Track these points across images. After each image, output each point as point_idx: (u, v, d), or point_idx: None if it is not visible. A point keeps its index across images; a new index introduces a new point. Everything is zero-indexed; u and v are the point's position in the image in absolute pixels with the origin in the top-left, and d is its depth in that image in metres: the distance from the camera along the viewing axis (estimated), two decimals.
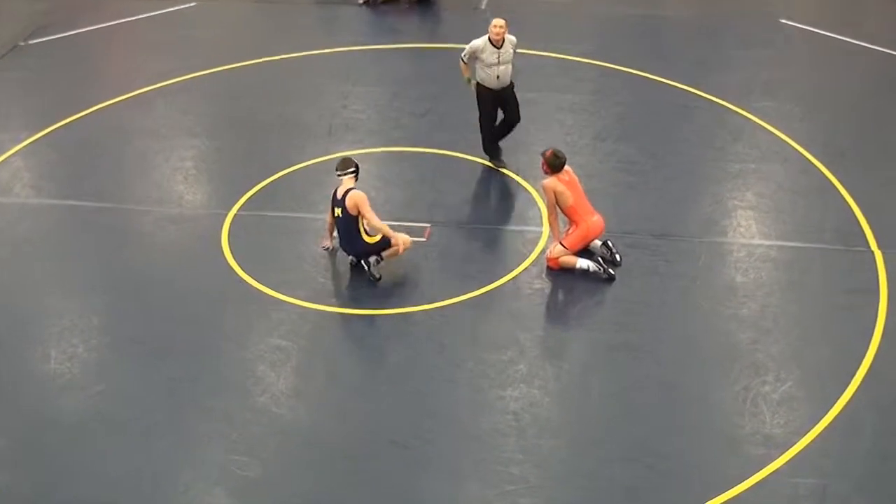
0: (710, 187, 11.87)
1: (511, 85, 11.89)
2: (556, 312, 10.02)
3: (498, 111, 12.03)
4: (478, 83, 11.92)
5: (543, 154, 10.29)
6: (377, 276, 10.21)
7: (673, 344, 9.35)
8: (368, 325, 9.76)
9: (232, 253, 10.76)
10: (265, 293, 10.13)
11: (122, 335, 9.66)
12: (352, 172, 10.22)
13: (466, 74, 11.98)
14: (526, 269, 10.40)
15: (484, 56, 11.63)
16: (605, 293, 10.05)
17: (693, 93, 14.11)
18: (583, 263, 10.21)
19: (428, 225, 11.14)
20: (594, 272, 10.17)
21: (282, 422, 8.57)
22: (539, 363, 9.16)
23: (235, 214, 11.46)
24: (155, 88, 14.64)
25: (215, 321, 9.79)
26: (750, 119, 13.32)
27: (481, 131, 12.16)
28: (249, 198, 11.76)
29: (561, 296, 10.12)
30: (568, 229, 10.39)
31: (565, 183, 10.24)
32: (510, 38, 11.66)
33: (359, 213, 10.02)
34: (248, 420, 8.58)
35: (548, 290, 10.14)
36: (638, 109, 13.75)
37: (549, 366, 9.12)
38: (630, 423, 8.51)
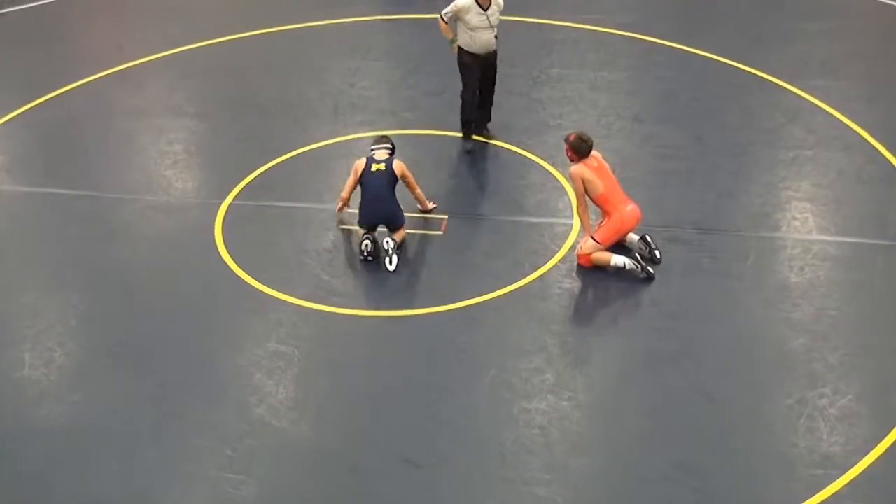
0: (761, 175, 11.80)
1: (496, 53, 11.91)
2: (587, 315, 9.97)
3: (482, 79, 12.04)
4: (460, 48, 11.86)
5: (567, 139, 10.24)
6: (395, 263, 10.31)
7: (718, 351, 9.28)
8: (378, 328, 9.73)
9: (226, 247, 10.75)
10: (263, 292, 10.12)
11: (103, 338, 9.66)
12: (388, 148, 10.83)
13: (449, 36, 11.97)
14: (555, 266, 10.36)
15: (469, 18, 11.61)
16: (642, 294, 10.00)
17: (743, 69, 14.04)
18: (618, 260, 10.15)
19: (445, 216, 11.11)
20: (630, 270, 10.11)
21: (281, 436, 8.55)
22: (569, 372, 9.11)
23: (230, 204, 11.46)
24: (142, 63, 14.67)
25: (207, 323, 9.78)
26: (807, 99, 13.24)
27: (463, 104, 12.12)
28: (246, 185, 11.76)
29: (593, 297, 10.07)
30: (600, 221, 10.34)
31: (594, 169, 10.18)
32: (497, 1, 11.67)
33: (402, 176, 10.61)
34: (244, 433, 8.56)
35: (578, 291, 10.09)
36: (681, 88, 13.69)
37: (580, 375, 9.08)
38: (671, 440, 8.45)
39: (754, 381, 8.99)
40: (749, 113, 13.04)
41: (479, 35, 11.67)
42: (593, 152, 10.28)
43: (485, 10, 11.55)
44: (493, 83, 12.23)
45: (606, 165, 10.35)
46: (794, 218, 11.07)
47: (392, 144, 10.92)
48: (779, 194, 11.46)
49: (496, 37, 11.85)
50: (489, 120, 12.45)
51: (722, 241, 10.68)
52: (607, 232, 10.21)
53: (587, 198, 10.25)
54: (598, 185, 10.13)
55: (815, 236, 10.76)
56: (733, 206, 11.23)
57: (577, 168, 10.17)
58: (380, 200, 10.50)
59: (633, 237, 10.45)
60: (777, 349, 9.32)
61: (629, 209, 10.27)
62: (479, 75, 11.98)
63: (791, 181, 11.68)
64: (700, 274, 10.23)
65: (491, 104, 12.35)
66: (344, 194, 10.93)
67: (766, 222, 10.98)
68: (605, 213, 10.29)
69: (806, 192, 11.47)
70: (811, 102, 13.17)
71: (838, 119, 12.78)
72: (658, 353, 9.28)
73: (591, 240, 10.21)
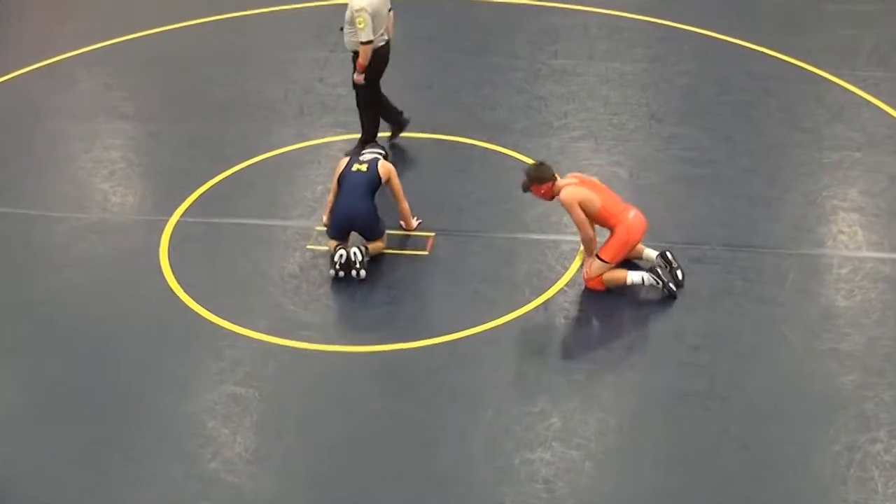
0: (801, 183, 11.84)
1: (353, 54, 12.06)
2: (599, 349, 9.98)
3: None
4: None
5: (528, 175, 10.23)
6: (364, 272, 10.44)
7: (753, 390, 9.30)
8: (353, 366, 9.73)
9: (174, 272, 10.75)
10: (217, 325, 10.12)
11: (28, 383, 9.64)
12: (378, 152, 11.05)
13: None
14: (560, 290, 10.38)
15: (377, 4, 11.81)
16: (664, 323, 10.01)
17: (779, 58, 14.10)
18: (634, 276, 10.20)
19: (431, 234, 11.14)
20: (650, 286, 10.15)
21: (239, 494, 8.53)
22: (578, 416, 9.12)
23: (178, 221, 11.46)
24: (73, 55, 14.67)
25: (151, 362, 9.77)
26: (853, 93, 13.29)
27: (376, 106, 12.29)
28: (196, 199, 11.77)
29: (606, 327, 10.08)
30: (607, 240, 10.37)
31: (582, 184, 10.21)
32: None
33: (387, 183, 10.76)
34: (196, 493, 8.54)
35: (588, 320, 10.11)
36: (706, 81, 13.74)
37: (592, 419, 9.08)
38: (700, 494, 8.45)
39: (796, 424, 8.99)
40: (786, 109, 13.09)
41: (384, 23, 11.98)
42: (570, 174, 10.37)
43: None
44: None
45: (592, 177, 10.44)
46: (841, 232, 11.11)
47: (385, 151, 11.09)
48: (822, 204, 11.50)
49: (356, 41, 11.85)
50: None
51: (756, 260, 10.70)
52: (615, 247, 10.22)
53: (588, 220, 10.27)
54: (596, 200, 10.13)
55: (866, 253, 10.79)
56: (769, 219, 11.27)
57: (567, 192, 10.11)
58: (354, 201, 10.51)
59: (651, 254, 10.48)
60: (822, 386, 9.33)
61: (633, 216, 10.28)
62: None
63: (836, 188, 11.72)
64: (731, 299, 10.25)
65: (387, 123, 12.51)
66: (328, 206, 10.94)
67: (808, 237, 11.02)
68: (607, 227, 10.31)
69: (854, 202, 11.51)
70: (859, 96, 13.22)
71: (891, 115, 12.85)
72: (683, 393, 9.29)
73: (597, 260, 10.23)
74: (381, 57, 12.04)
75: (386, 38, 12.03)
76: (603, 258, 10.19)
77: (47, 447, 8.95)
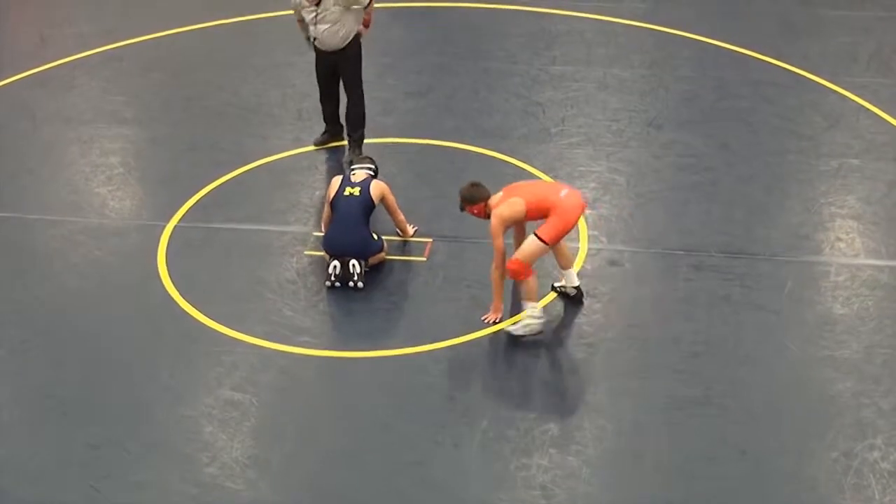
0: (799, 190, 11.87)
1: (344, 50, 12.10)
2: (598, 356, 9.98)
3: (333, 79, 12.38)
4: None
5: (462, 196, 10.06)
6: (362, 283, 10.44)
7: (751, 397, 9.31)
8: (351, 371, 9.73)
9: (171, 277, 10.76)
10: (215, 330, 10.12)
11: (24, 387, 9.64)
12: (369, 170, 10.93)
13: (305, 33, 12.33)
14: (558, 297, 10.39)
15: (304, 12, 12.00)
16: (661, 329, 10.02)
17: (777, 65, 14.12)
18: (535, 313, 9.82)
19: (429, 240, 11.15)
20: (534, 329, 9.89)
21: (237, 500, 8.54)
22: (576, 422, 9.13)
23: (175, 227, 11.47)
24: (70, 60, 14.67)
25: (149, 367, 9.77)
26: (851, 100, 13.31)
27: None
28: (194, 204, 11.78)
29: (605, 333, 10.09)
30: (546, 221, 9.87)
31: (507, 195, 9.90)
32: None
33: (381, 201, 10.72)
34: (193, 498, 8.54)
35: (587, 326, 10.12)
36: (704, 87, 13.76)
37: (589, 425, 9.09)
38: (697, 502, 8.44)
39: (793, 431, 9.01)
40: (784, 116, 13.10)
41: (317, 29, 11.98)
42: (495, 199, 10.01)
43: (316, 4, 11.81)
44: (348, 87, 12.37)
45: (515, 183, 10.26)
46: (839, 239, 11.13)
47: (375, 166, 11.03)
48: (820, 211, 11.52)
49: (352, 33, 12.01)
50: (350, 131, 12.51)
51: (754, 267, 10.72)
52: (553, 230, 9.71)
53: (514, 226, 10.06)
54: (520, 207, 9.76)
55: (864, 260, 10.81)
56: (767, 226, 11.29)
57: (494, 218, 9.78)
58: (347, 230, 10.49)
59: (573, 279, 10.26)
60: (820, 394, 9.35)
61: (565, 195, 9.82)
62: (325, 72, 12.34)
63: (834, 196, 11.74)
64: (728, 306, 10.27)
65: (349, 114, 12.46)
66: (323, 227, 10.98)
67: (806, 245, 11.04)
68: (545, 218, 9.82)
69: (852, 209, 11.54)
70: (857, 103, 13.24)
71: (889, 123, 12.87)
72: (681, 400, 9.30)
73: (535, 239, 9.71)
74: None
75: None
76: (542, 237, 9.69)
77: (44, 452, 8.94)
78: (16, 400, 9.51)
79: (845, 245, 11.03)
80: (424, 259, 10.91)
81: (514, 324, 9.89)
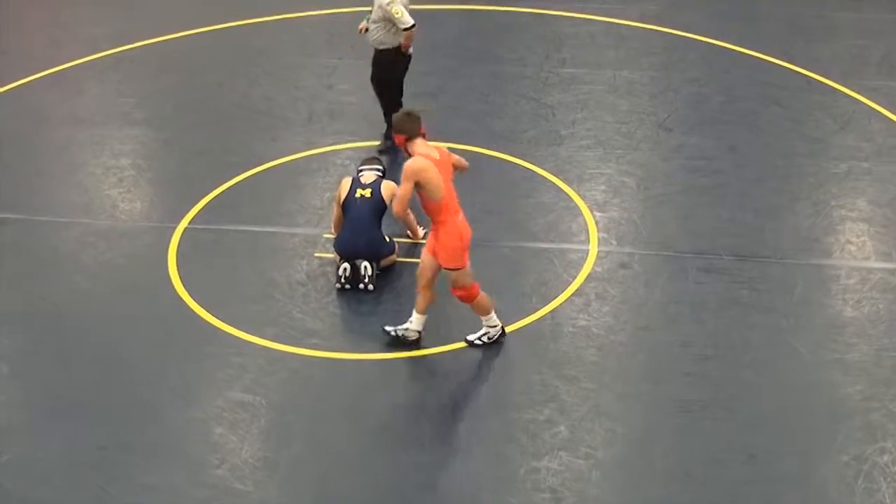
0: (808, 192, 11.83)
1: (375, 52, 12.42)
2: (606, 358, 9.96)
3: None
4: None
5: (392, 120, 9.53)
6: (372, 286, 10.46)
7: (760, 401, 9.28)
8: (360, 373, 9.72)
9: (181, 279, 10.76)
10: (225, 332, 10.12)
11: (35, 388, 9.65)
12: (377, 171, 10.93)
13: None
14: (568, 299, 10.37)
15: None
16: (671, 333, 10.00)
17: (787, 67, 14.09)
18: (492, 321, 9.78)
19: None
20: (487, 339, 9.83)
21: (247, 501, 8.53)
22: (586, 425, 9.11)
23: (186, 228, 11.47)
24: (81, 62, 14.68)
25: (159, 369, 9.77)
26: (862, 102, 13.28)
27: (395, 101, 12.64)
28: (205, 206, 11.78)
29: (614, 336, 10.07)
30: (443, 249, 9.45)
31: (436, 164, 9.31)
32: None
33: (392, 200, 10.47)
34: (203, 500, 8.53)
35: (596, 329, 10.09)
36: (714, 90, 13.74)
37: (599, 428, 9.07)
38: None
39: (803, 434, 8.98)
40: (794, 119, 13.08)
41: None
42: (435, 145, 9.51)
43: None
44: (374, 89, 12.60)
45: (451, 160, 9.61)
46: (849, 242, 11.09)
47: (383, 167, 11.05)
48: (830, 214, 11.48)
49: (385, 41, 12.25)
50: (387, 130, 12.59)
51: (764, 270, 10.69)
52: (454, 255, 9.38)
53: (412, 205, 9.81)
54: (438, 188, 9.25)
55: (874, 263, 10.78)
56: (776, 229, 11.26)
57: (412, 164, 9.21)
58: (361, 232, 10.50)
59: (495, 319, 9.97)
60: (829, 397, 9.31)
61: (461, 217, 9.49)
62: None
63: (844, 199, 11.71)
64: (738, 309, 10.24)
65: (384, 112, 12.61)
66: (333, 228, 10.98)
67: (816, 247, 11.01)
68: (434, 220, 9.44)
69: (862, 212, 11.50)
70: (868, 106, 13.21)
71: None
72: (690, 403, 9.27)
73: (451, 273, 9.45)
74: (406, 59, 12.38)
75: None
76: (454, 267, 9.42)
77: (53, 453, 8.94)
78: (25, 401, 9.52)
79: (855, 248, 10.99)
80: None
81: (474, 335, 9.87)
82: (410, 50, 12.34)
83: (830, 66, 14.05)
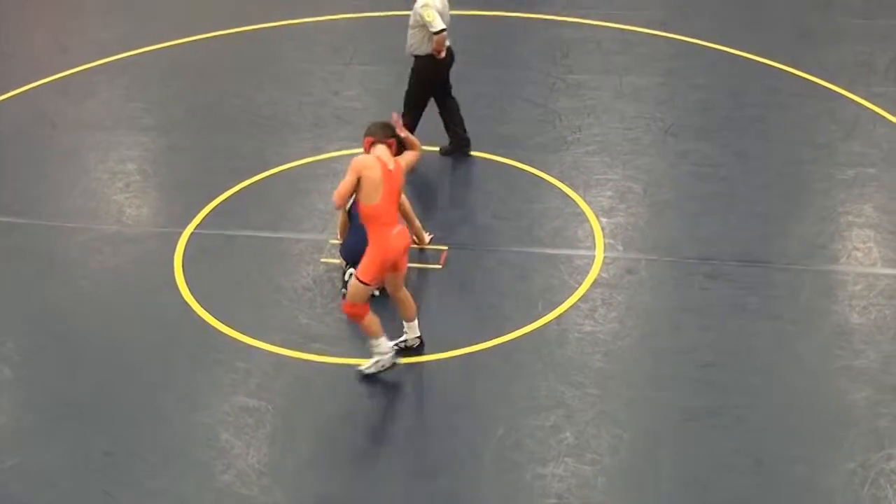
0: (815, 198, 11.81)
1: (414, 60, 12.35)
2: (612, 364, 9.94)
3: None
4: None
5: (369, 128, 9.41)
6: (377, 291, 10.30)
7: (767, 407, 9.26)
8: (365, 379, 9.70)
9: (188, 284, 10.75)
10: (230, 337, 10.11)
11: (41, 393, 9.65)
12: None
13: None
14: (574, 305, 10.36)
15: (440, 7, 12.22)
16: (677, 339, 9.98)
17: (793, 73, 14.08)
18: (383, 347, 9.51)
19: (445, 248, 11.13)
20: (381, 366, 9.58)
21: None
22: (591, 431, 9.09)
23: (192, 233, 11.47)
24: (89, 68, 14.70)
25: (165, 374, 9.77)
26: (869, 108, 13.26)
27: (420, 112, 12.60)
28: (211, 211, 11.78)
29: (620, 342, 10.05)
30: (364, 257, 9.36)
31: (385, 171, 9.12)
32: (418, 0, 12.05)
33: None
34: None
35: (602, 335, 10.08)
36: (720, 96, 13.73)
37: (605, 434, 9.05)
38: None
39: (809, 441, 8.96)
40: (800, 125, 13.06)
41: None
42: (392, 157, 9.28)
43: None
44: (405, 97, 12.49)
45: (402, 172, 9.36)
46: (856, 248, 11.07)
47: None
48: (837, 220, 11.47)
49: (419, 46, 12.19)
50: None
51: (770, 276, 10.67)
52: (372, 268, 9.22)
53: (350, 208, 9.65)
54: (375, 192, 9.07)
55: (881, 269, 10.76)
56: (783, 235, 11.24)
57: (358, 160, 9.07)
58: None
59: (415, 329, 9.84)
60: (836, 403, 9.29)
61: (396, 233, 9.28)
62: None
63: (851, 205, 11.69)
64: (745, 315, 10.22)
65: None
66: (339, 234, 10.99)
67: (823, 254, 10.99)
68: (366, 227, 9.30)
69: (869, 218, 11.48)
70: (874, 112, 13.19)
71: None
72: (696, 410, 9.25)
73: (354, 280, 9.28)
74: (442, 63, 12.26)
75: (447, 43, 12.21)
76: (362, 279, 9.22)
77: (59, 458, 8.95)
78: (31, 406, 9.52)
79: (862, 254, 10.97)
80: (440, 267, 10.88)
81: (366, 364, 9.63)
82: (442, 54, 12.18)
83: (837, 72, 14.03)
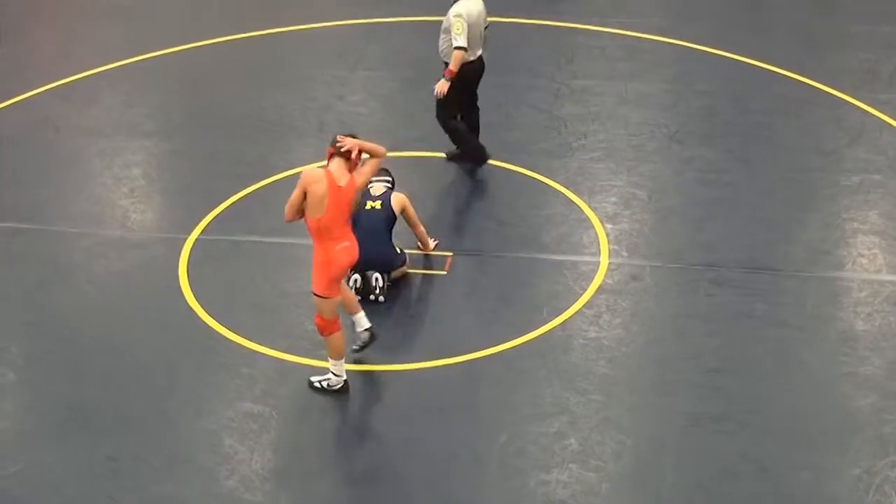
0: (820, 205, 11.82)
1: (443, 64, 12.12)
2: (617, 371, 9.95)
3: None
4: None
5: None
6: (383, 297, 10.42)
7: (772, 413, 9.26)
8: (370, 385, 9.72)
9: (192, 290, 10.76)
10: (235, 342, 10.12)
11: (46, 399, 9.65)
12: (386, 182, 10.89)
13: None
14: (578, 311, 10.36)
15: (475, 17, 12.02)
16: (681, 345, 9.99)
17: (798, 80, 14.08)
18: (361, 321, 9.62)
19: (449, 254, 11.13)
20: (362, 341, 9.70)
21: None
22: (596, 437, 9.09)
23: (197, 239, 11.48)
24: (92, 73, 14.71)
25: (169, 380, 9.77)
26: (874, 115, 13.26)
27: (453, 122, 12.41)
28: (216, 217, 11.78)
29: (624, 349, 10.06)
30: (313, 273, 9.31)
31: (333, 187, 9.04)
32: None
33: (402, 213, 10.70)
34: None
35: (607, 341, 10.08)
36: (725, 102, 13.73)
37: (610, 441, 9.06)
38: None
39: (814, 448, 8.96)
40: (806, 131, 13.06)
41: None
42: (348, 171, 9.20)
43: None
44: (436, 108, 12.27)
45: (353, 190, 9.26)
46: (861, 255, 11.07)
47: (392, 178, 10.98)
48: (842, 227, 11.47)
49: (451, 48, 11.90)
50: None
51: (775, 282, 10.67)
52: (323, 282, 9.16)
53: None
54: (317, 208, 9.02)
55: (886, 276, 10.76)
56: (788, 242, 11.24)
57: (307, 174, 9.09)
58: (372, 244, 10.37)
59: (363, 321, 9.76)
60: (841, 410, 9.30)
61: (339, 249, 9.16)
62: None
63: (856, 211, 11.69)
64: (749, 322, 10.23)
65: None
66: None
67: (828, 260, 10.99)
68: (312, 239, 9.24)
69: (874, 225, 11.48)
70: (879, 119, 13.19)
71: None
72: (701, 416, 9.26)
73: (314, 297, 9.27)
74: (471, 71, 12.09)
75: (479, 52, 12.09)
76: (314, 292, 9.22)
77: (64, 463, 8.95)
78: (36, 411, 9.53)
79: (867, 261, 10.97)
80: (445, 273, 10.89)
81: (316, 377, 9.64)
82: (442, 86, 11.83)
83: (842, 78, 14.03)
